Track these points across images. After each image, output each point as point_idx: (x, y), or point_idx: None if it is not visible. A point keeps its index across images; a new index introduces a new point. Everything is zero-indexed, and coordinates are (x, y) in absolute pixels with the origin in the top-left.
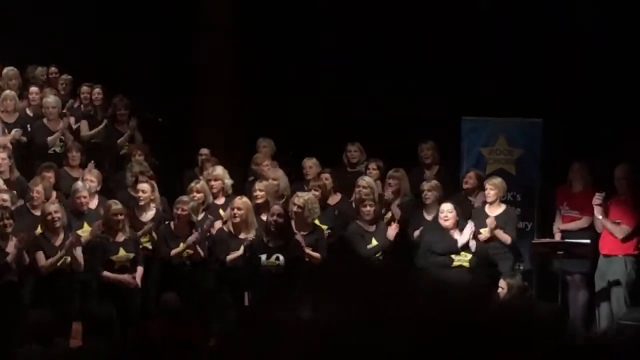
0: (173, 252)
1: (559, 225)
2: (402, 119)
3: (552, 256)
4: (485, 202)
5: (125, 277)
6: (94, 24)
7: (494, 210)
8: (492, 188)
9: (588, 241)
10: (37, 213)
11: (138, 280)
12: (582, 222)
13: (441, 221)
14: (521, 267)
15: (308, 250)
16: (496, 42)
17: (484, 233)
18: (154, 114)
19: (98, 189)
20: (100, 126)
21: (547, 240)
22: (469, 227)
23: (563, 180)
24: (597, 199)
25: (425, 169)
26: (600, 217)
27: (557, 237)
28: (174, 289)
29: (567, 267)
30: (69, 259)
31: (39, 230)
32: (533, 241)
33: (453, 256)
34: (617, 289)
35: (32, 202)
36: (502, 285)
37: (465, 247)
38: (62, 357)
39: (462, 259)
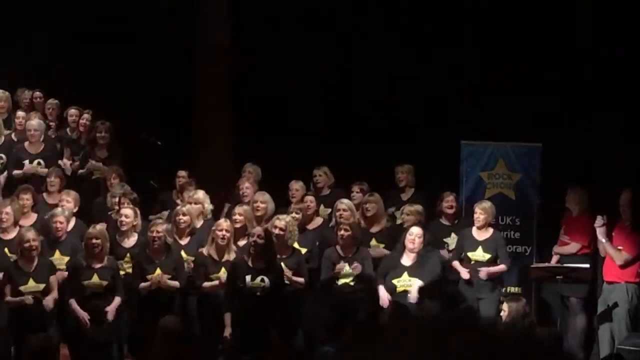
0: (141, 286)
1: (555, 249)
2: (402, 143)
3: (551, 281)
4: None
5: (83, 316)
6: (91, 46)
7: (482, 235)
8: (482, 212)
9: (587, 265)
10: (6, 237)
11: (112, 312)
12: (569, 248)
13: (407, 243)
14: (516, 290)
15: (292, 277)
16: (495, 66)
17: (482, 275)
18: (153, 137)
19: (75, 210)
20: (76, 163)
21: (546, 264)
22: (416, 287)
23: (562, 205)
24: (598, 221)
25: (400, 192)
26: (604, 240)
27: (554, 259)
28: (154, 314)
29: (565, 291)
30: (42, 286)
31: (7, 253)
32: (532, 265)
33: (395, 281)
34: (618, 314)
35: (1, 225)
36: (504, 308)
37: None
38: None
39: (405, 284)
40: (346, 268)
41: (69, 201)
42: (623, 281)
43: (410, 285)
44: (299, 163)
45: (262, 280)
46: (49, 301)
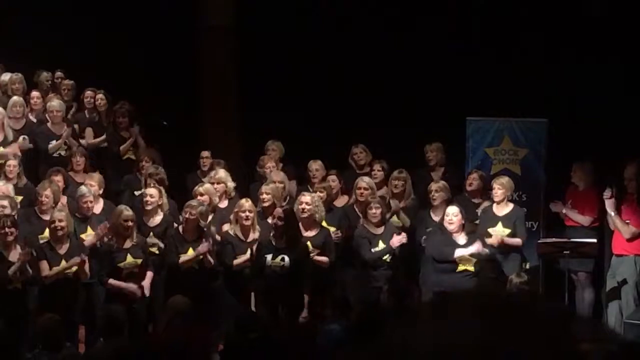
0: (182, 259)
1: (565, 210)
2: (407, 120)
3: (558, 255)
4: (492, 202)
5: (131, 286)
6: (96, 27)
7: (502, 210)
8: (500, 187)
9: (594, 240)
10: (46, 217)
11: (147, 286)
12: (582, 219)
13: (446, 224)
14: (527, 267)
15: (316, 256)
16: (500, 42)
17: (493, 239)
18: (159, 117)
19: (100, 192)
20: (102, 137)
21: (554, 239)
22: (477, 244)
23: (568, 180)
24: (607, 193)
25: (430, 171)
26: (612, 213)
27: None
28: (182, 292)
29: (572, 266)
30: (74, 268)
31: (45, 235)
32: (539, 241)
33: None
34: (627, 288)
35: (40, 206)
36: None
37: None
38: None
39: (467, 263)
40: (380, 244)
41: (92, 185)
42: (632, 254)
43: (472, 264)
44: (305, 142)
45: (283, 259)
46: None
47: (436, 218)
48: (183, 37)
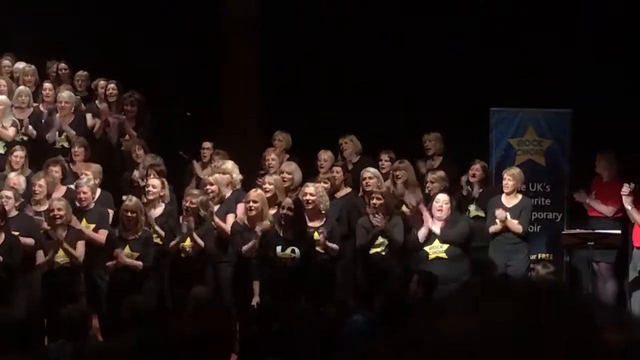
0: (171, 244)
1: (589, 200)
2: (431, 110)
3: (582, 246)
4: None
5: (134, 262)
6: (117, 20)
7: (511, 201)
8: (511, 178)
9: (618, 231)
10: (39, 209)
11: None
12: (605, 209)
13: (434, 211)
14: (550, 257)
15: (327, 243)
16: (524, 32)
17: (497, 224)
18: (182, 109)
19: (97, 182)
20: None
21: (578, 230)
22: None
23: (592, 171)
24: (625, 189)
25: (428, 160)
26: (630, 207)
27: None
28: (185, 280)
29: (596, 257)
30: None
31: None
32: (563, 232)
33: (427, 249)
34: None
35: (34, 197)
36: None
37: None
38: (96, 351)
39: (438, 250)
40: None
41: (87, 174)
42: None
43: (443, 252)
44: (327, 133)
45: (293, 251)
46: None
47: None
48: (206, 29)
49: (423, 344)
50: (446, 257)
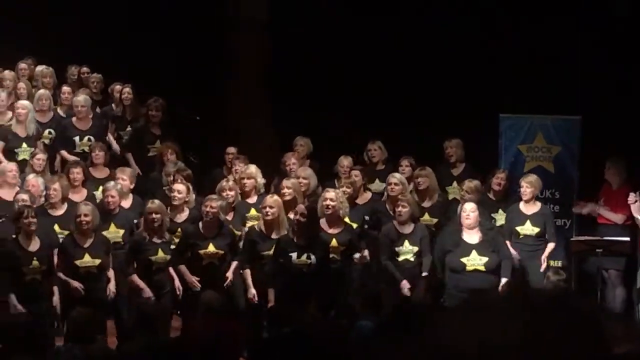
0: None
1: (599, 209)
2: (440, 117)
3: (591, 253)
4: (520, 200)
5: (146, 290)
6: (126, 22)
7: (530, 208)
8: (528, 186)
9: (627, 239)
10: (54, 213)
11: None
12: (615, 217)
13: (462, 219)
14: (559, 264)
15: (356, 255)
16: (533, 38)
17: (521, 232)
18: (191, 112)
19: (131, 187)
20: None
21: (586, 237)
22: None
23: (602, 178)
24: (631, 198)
25: (450, 168)
26: (638, 216)
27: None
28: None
29: (603, 263)
30: (97, 262)
31: (57, 229)
32: (572, 239)
33: (464, 260)
34: None
35: (49, 200)
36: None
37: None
38: (103, 355)
39: (476, 263)
40: (406, 244)
41: (124, 179)
42: None
43: (482, 265)
44: (337, 137)
45: (308, 257)
46: (110, 289)
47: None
48: (215, 30)
49: (438, 352)
50: (484, 269)
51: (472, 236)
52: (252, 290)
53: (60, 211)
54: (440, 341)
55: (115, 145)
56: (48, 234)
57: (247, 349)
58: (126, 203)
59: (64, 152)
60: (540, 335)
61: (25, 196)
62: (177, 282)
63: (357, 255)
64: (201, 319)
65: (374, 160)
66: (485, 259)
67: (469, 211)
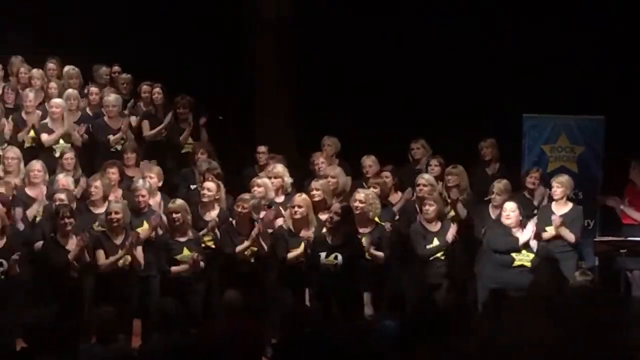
0: (238, 248)
1: (623, 207)
2: (464, 117)
3: (615, 254)
4: (550, 200)
5: (188, 264)
6: (153, 22)
7: (561, 209)
8: (559, 186)
9: None
10: (96, 210)
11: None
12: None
13: (503, 219)
14: (583, 265)
15: (372, 250)
16: (557, 38)
17: (549, 231)
18: (215, 112)
19: (159, 184)
20: (161, 125)
21: (610, 238)
22: (531, 225)
23: (626, 178)
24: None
25: (485, 167)
26: None
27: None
28: (236, 286)
29: (628, 264)
30: (129, 259)
31: (96, 227)
32: (595, 239)
33: (514, 255)
34: None
35: (90, 198)
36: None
37: (526, 246)
38: (123, 354)
39: (524, 259)
40: (435, 241)
41: (152, 177)
42: None
43: (528, 261)
44: (362, 138)
45: (336, 257)
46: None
47: (493, 215)
48: (240, 30)
49: (466, 355)
50: (529, 266)
51: (520, 234)
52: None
53: (101, 209)
54: (467, 342)
55: (149, 132)
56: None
57: (269, 349)
58: (154, 201)
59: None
60: (568, 335)
61: (62, 195)
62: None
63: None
64: (223, 318)
65: (416, 158)
66: (532, 256)
67: (509, 211)
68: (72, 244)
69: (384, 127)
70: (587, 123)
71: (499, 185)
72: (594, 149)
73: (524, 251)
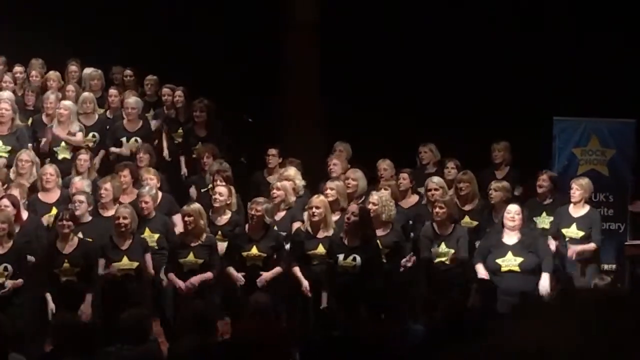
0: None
1: None
2: (494, 119)
3: None
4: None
5: (179, 283)
6: (180, 24)
7: (578, 211)
8: (578, 188)
9: None
10: (106, 213)
11: (195, 281)
12: None
13: (506, 221)
14: (606, 268)
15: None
16: (589, 41)
17: (570, 254)
18: (244, 114)
19: (158, 185)
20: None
21: None
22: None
23: None
24: None
25: (495, 170)
26: None
27: None
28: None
29: None
30: (135, 264)
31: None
32: (626, 243)
33: (498, 261)
34: None
35: (100, 201)
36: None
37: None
38: (154, 356)
39: (511, 263)
40: (443, 245)
41: (151, 179)
42: None
43: (515, 265)
44: (389, 141)
45: (354, 259)
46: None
47: (496, 219)
48: (268, 33)
49: (496, 356)
50: (519, 270)
51: (511, 237)
52: (305, 283)
53: (110, 212)
54: (497, 347)
55: (166, 151)
56: (102, 236)
57: (298, 351)
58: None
59: (113, 148)
60: (592, 341)
61: (82, 197)
62: (179, 283)
63: (404, 261)
64: (251, 320)
65: (424, 162)
66: (520, 259)
67: (514, 213)
68: (70, 248)
69: (410, 129)
70: (618, 126)
71: (497, 184)
72: (625, 153)
73: (509, 254)
